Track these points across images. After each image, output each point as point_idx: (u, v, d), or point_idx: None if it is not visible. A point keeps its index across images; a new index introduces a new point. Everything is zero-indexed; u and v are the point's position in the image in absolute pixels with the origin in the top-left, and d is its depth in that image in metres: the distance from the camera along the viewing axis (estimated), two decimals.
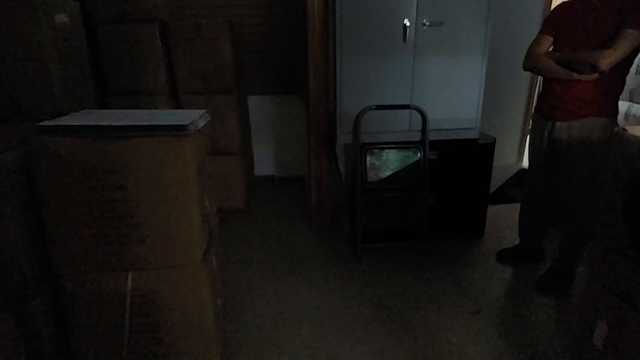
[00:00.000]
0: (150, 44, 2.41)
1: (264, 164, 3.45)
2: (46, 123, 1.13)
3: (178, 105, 2.60)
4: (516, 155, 3.45)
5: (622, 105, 2.58)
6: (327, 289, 1.98)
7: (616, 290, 1.13)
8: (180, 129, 1.16)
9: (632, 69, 2.45)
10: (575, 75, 1.65)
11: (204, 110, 1.41)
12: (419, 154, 2.21)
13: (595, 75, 1.62)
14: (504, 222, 2.65)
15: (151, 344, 1.31)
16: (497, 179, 3.08)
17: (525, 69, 1.84)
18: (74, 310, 1.25)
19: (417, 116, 2.16)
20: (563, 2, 1.80)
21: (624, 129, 1.07)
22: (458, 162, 2.31)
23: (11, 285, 1.12)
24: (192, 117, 1.25)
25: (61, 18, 1.43)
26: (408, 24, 1.99)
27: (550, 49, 1.80)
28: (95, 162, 1.13)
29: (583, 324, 1.24)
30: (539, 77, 3.20)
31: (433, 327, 1.70)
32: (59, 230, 1.17)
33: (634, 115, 2.66)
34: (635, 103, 2.65)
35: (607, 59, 1.54)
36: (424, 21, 2.00)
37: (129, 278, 1.24)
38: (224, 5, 2.99)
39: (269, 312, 1.82)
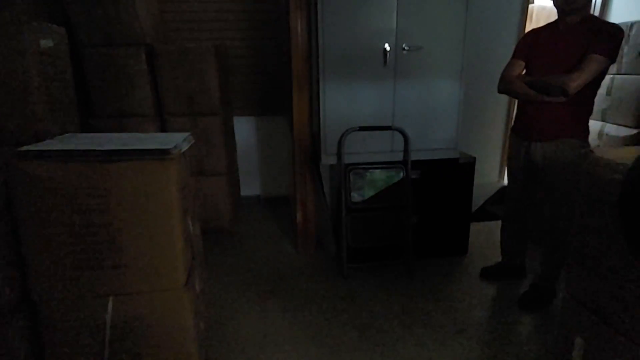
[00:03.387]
0: (136, 67, 2.43)
1: (250, 184, 3.46)
2: (27, 148, 1.13)
3: (163, 127, 2.61)
4: (497, 174, 3.53)
5: (595, 125, 2.69)
6: (313, 309, 1.97)
7: (592, 307, 1.16)
8: (163, 152, 1.17)
9: (603, 91, 2.59)
10: (546, 98, 1.73)
11: (188, 134, 1.42)
12: (401, 174, 2.25)
13: (564, 98, 1.69)
14: (487, 239, 2.69)
15: None
16: (479, 196, 3.14)
17: (499, 91, 1.92)
18: (52, 337, 1.22)
19: (399, 137, 2.22)
20: (533, 29, 1.90)
21: (591, 151, 1.13)
22: (440, 181, 2.36)
23: None
24: (176, 140, 1.27)
25: (46, 43, 1.45)
26: (388, 48, 2.06)
27: (523, 73, 1.88)
28: (77, 186, 1.13)
29: (562, 341, 1.26)
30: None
31: (419, 347, 1.70)
32: (38, 256, 1.15)
33: (606, 134, 2.78)
34: (608, 123, 2.78)
35: (575, 82, 1.62)
36: (404, 46, 2.08)
37: (109, 304, 1.22)
38: (210, 29, 3.05)
39: (253, 334, 1.80)
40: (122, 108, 2.49)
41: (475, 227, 2.68)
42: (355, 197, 2.25)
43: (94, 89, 2.45)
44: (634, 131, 2.58)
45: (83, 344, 1.24)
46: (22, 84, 1.35)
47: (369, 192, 2.26)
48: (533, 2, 3.42)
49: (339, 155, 2.20)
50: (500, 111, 3.32)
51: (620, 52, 2.19)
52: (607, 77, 2.51)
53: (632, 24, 2.39)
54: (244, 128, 3.30)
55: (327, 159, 2.24)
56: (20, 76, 1.33)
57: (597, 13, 2.83)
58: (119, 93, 2.45)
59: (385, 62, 2.09)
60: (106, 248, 1.18)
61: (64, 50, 1.60)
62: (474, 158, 2.37)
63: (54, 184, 1.11)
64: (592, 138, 2.63)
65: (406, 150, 2.23)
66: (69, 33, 1.67)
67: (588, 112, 1.78)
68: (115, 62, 2.40)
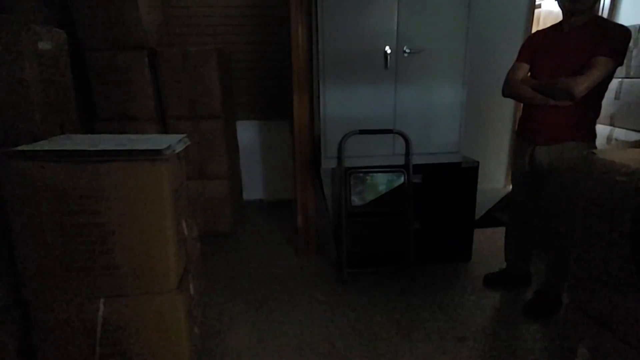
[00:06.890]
0: (139, 70, 2.45)
1: (253, 188, 3.45)
2: (21, 147, 1.13)
3: (165, 131, 2.61)
4: (503, 179, 3.47)
5: (604, 129, 2.63)
6: (311, 315, 1.94)
7: (596, 316, 1.11)
8: (156, 153, 1.16)
9: (611, 95, 2.53)
10: (552, 101, 1.69)
11: (184, 135, 1.41)
12: (402, 178, 2.22)
13: (570, 102, 1.65)
14: (492, 245, 2.64)
15: None
16: (485, 202, 3.08)
17: (504, 95, 1.88)
18: (43, 338, 1.21)
19: (401, 140, 2.19)
20: (537, 31, 1.87)
21: (593, 152, 1.09)
22: (442, 186, 2.32)
23: None
24: (170, 141, 1.26)
25: (44, 45, 1.45)
26: (389, 51, 2.05)
27: (528, 75, 1.85)
28: (69, 186, 1.12)
29: (565, 350, 1.22)
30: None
31: (419, 354, 1.66)
32: (29, 256, 1.15)
33: (615, 138, 2.71)
34: (617, 127, 2.71)
35: (582, 86, 1.58)
36: (405, 48, 2.05)
37: (101, 306, 1.21)
38: (214, 33, 3.07)
39: (250, 340, 1.77)
40: (124, 111, 2.50)
41: (479, 234, 2.62)
42: (356, 201, 2.22)
43: (97, 92, 2.46)
44: None
45: (74, 346, 1.22)
46: (20, 85, 1.35)
47: (370, 197, 2.23)
48: (540, 7, 3.38)
49: (339, 158, 2.17)
50: (506, 115, 3.27)
51: (628, 54, 2.14)
52: (615, 81, 2.45)
53: None
54: (247, 132, 3.30)
55: (328, 163, 2.22)
56: (18, 77, 1.34)
57: (605, 15, 2.78)
58: (121, 96, 2.47)
59: (386, 64, 2.07)
60: (98, 249, 1.17)
61: (64, 53, 1.61)
62: (478, 162, 2.32)
63: (45, 184, 1.10)
64: (601, 143, 2.57)
65: (407, 154, 2.20)
66: (73, 36, 1.68)
67: (595, 115, 1.74)
68: (118, 65, 2.42)
